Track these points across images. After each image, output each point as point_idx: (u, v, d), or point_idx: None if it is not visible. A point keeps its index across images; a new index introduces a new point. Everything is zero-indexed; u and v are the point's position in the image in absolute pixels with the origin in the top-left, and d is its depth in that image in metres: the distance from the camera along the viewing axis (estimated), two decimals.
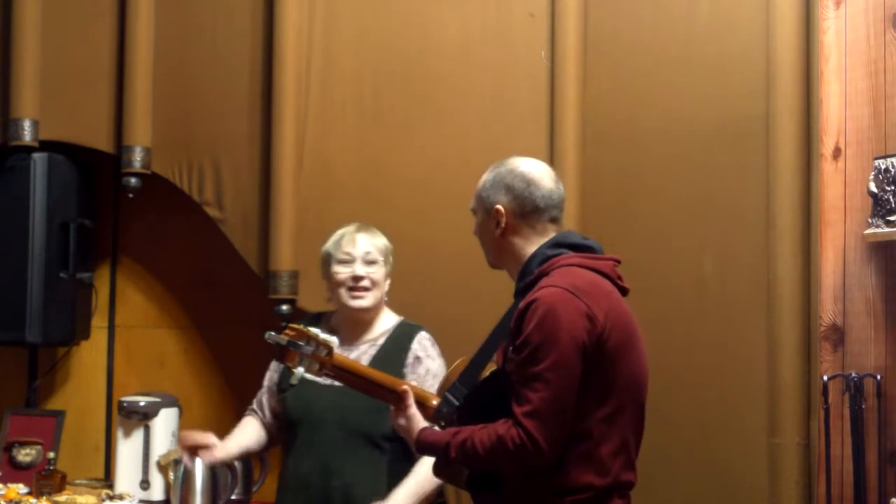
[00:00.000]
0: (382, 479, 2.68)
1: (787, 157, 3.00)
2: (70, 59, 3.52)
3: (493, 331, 2.30)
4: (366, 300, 2.76)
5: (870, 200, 2.80)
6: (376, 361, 2.72)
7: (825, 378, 2.87)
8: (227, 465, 3.21)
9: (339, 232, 2.84)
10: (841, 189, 2.90)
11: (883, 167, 2.77)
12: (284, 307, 3.38)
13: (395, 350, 2.77)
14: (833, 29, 2.95)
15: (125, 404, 3.34)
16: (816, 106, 2.97)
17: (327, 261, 2.82)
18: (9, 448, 3.49)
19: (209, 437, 2.75)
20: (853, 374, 2.82)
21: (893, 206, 2.74)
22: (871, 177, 2.79)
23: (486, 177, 2.33)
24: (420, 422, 2.27)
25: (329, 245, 2.83)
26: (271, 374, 2.90)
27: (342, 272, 2.77)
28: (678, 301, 3.09)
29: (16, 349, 3.68)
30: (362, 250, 2.78)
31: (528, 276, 2.23)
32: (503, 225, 2.27)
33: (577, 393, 2.09)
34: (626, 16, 3.25)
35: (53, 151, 3.50)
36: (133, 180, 3.51)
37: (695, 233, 3.12)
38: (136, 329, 3.79)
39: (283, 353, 2.36)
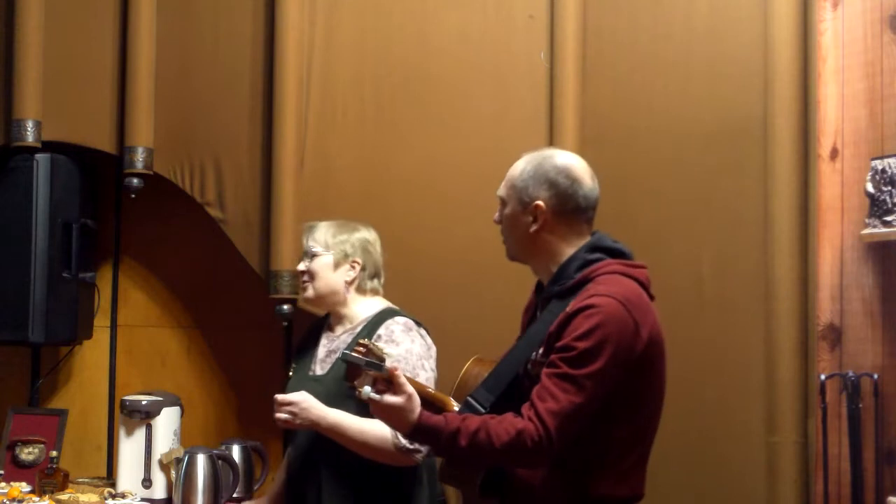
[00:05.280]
0: (354, 472, 2.68)
1: (784, 158, 3.01)
2: (72, 60, 3.53)
3: (527, 335, 2.22)
4: (306, 291, 2.84)
5: (867, 201, 2.81)
6: (349, 347, 2.73)
7: (823, 377, 2.88)
8: (229, 462, 3.23)
9: None
10: (838, 190, 2.91)
11: (880, 168, 2.78)
12: (286, 307, 3.40)
13: (367, 336, 2.72)
14: (831, 30, 2.95)
15: (127, 403, 3.35)
16: (814, 107, 2.98)
17: None
18: (12, 447, 3.50)
19: None
20: (850, 374, 2.83)
21: (890, 206, 2.75)
22: (868, 177, 2.81)
23: (523, 166, 2.23)
24: (419, 402, 2.08)
25: None
26: None
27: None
28: (677, 301, 3.10)
29: (19, 348, 3.69)
30: (305, 246, 2.87)
31: (567, 279, 2.17)
32: (541, 222, 2.19)
33: (599, 408, 2.07)
34: (625, 18, 3.26)
35: (56, 152, 3.51)
36: (135, 181, 3.53)
37: (693, 233, 3.13)
38: (138, 328, 3.80)
39: (353, 373, 2.11)
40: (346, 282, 2.81)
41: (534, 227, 2.20)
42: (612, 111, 3.24)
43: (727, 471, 3.05)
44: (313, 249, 2.83)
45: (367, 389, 2.08)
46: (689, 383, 3.04)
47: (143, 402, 3.34)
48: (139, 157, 3.51)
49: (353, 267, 2.81)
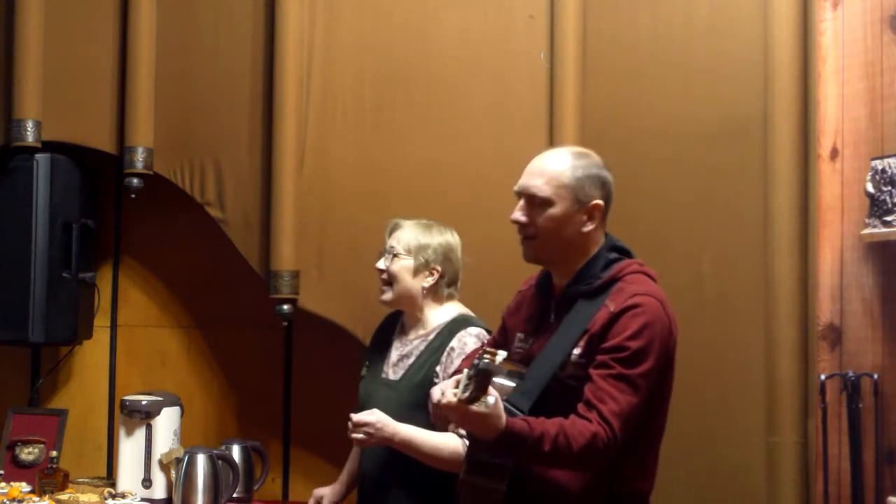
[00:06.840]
0: (425, 491, 2.70)
1: (784, 158, 3.01)
2: (73, 60, 3.53)
3: (557, 336, 2.18)
4: (384, 294, 2.83)
5: (867, 201, 2.81)
6: (424, 355, 2.76)
7: (823, 377, 2.87)
8: (229, 462, 3.23)
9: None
10: (838, 190, 2.91)
11: (880, 168, 2.78)
12: (286, 307, 3.40)
13: (440, 346, 2.76)
14: (831, 30, 2.95)
15: (127, 403, 3.35)
16: (814, 107, 2.98)
17: None
18: (12, 447, 3.50)
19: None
20: (850, 374, 2.82)
21: (890, 206, 2.75)
22: (868, 177, 2.80)
23: (570, 163, 2.20)
24: (502, 408, 1.99)
25: None
26: None
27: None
28: (677, 301, 3.04)
29: (19, 348, 3.69)
30: (387, 244, 2.85)
31: (593, 279, 2.18)
32: (597, 221, 2.20)
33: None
34: (625, 17, 3.26)
35: (56, 152, 3.51)
36: (135, 181, 3.53)
37: (693, 233, 3.14)
38: (138, 328, 3.81)
39: (485, 382, 1.94)
40: (424, 288, 2.81)
41: (589, 227, 2.20)
42: (612, 111, 3.24)
43: (727, 471, 3.05)
44: (396, 250, 2.82)
45: (490, 400, 1.95)
46: (689, 383, 3.02)
47: (143, 402, 3.35)
48: (139, 157, 3.51)
49: (433, 274, 2.81)
